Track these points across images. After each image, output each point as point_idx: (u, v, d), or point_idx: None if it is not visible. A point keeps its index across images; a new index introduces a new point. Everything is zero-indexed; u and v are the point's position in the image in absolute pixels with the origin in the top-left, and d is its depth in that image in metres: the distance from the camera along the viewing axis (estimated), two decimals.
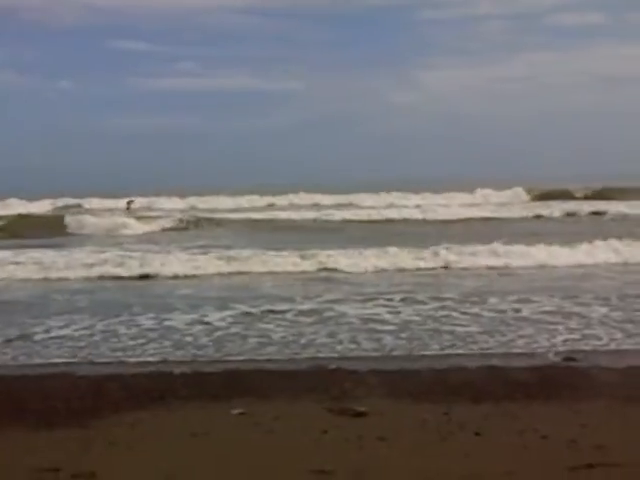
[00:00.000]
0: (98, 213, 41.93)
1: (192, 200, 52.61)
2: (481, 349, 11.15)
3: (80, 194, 55.38)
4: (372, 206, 46.40)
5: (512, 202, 49.07)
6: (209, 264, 20.65)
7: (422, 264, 20.53)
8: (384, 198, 51.65)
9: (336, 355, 10.86)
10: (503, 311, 13.85)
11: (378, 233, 30.08)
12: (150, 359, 10.82)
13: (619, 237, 22.31)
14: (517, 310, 13.91)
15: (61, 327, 13.02)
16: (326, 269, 20.21)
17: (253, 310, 14.22)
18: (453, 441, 6.98)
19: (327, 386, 9.01)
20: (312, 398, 8.49)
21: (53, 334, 12.50)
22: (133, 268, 20.17)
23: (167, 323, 13.22)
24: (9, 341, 11.99)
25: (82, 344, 11.79)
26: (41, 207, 50.48)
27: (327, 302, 15.07)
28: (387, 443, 6.91)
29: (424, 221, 37.91)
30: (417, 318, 13.34)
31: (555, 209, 41.33)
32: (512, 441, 6.93)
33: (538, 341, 11.54)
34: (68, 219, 36.47)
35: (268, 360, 10.59)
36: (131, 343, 11.81)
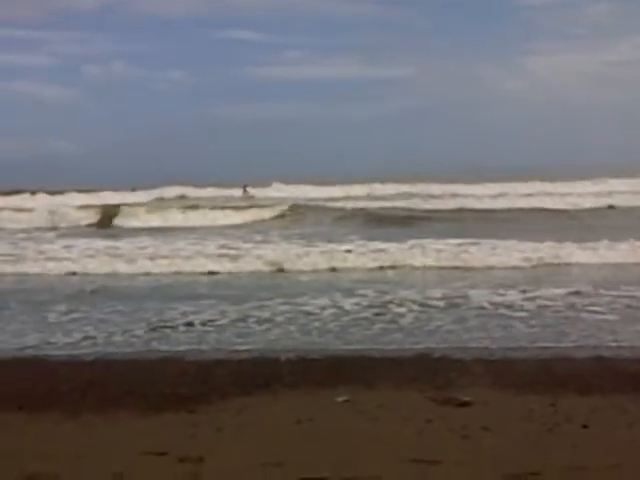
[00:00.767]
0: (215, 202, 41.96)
1: (306, 188, 50.57)
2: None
3: (191, 183, 55.23)
4: (499, 194, 42.59)
5: None
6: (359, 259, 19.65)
7: None
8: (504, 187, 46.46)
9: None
10: None
11: (567, 224, 28.31)
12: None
13: None
14: None
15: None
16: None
17: None
18: (559, 433, 6.88)
19: (431, 375, 8.99)
20: (416, 387, 8.48)
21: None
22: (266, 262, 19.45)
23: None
24: (153, 329, 12.17)
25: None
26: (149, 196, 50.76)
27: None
28: (492, 433, 6.86)
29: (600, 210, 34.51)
30: None
31: None
32: (620, 434, 6.81)
33: None
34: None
35: (372, 348, 10.61)
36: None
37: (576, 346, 10.60)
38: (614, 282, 15.61)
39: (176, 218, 33.59)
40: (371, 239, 23.11)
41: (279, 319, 12.74)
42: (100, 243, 24.47)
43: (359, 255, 20.11)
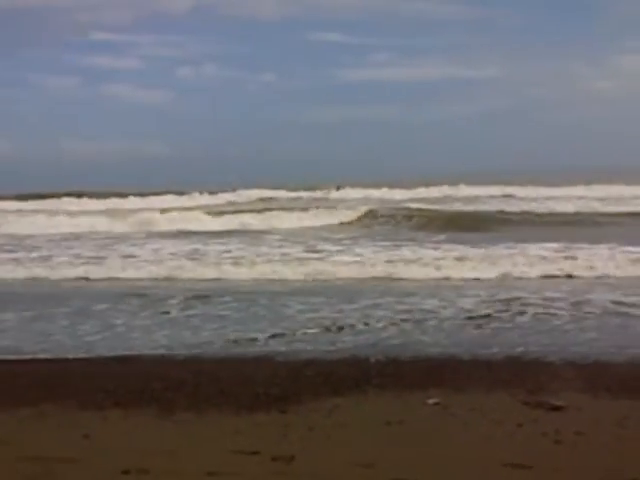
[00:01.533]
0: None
1: (406, 192, 48.74)
2: None
3: (282, 185, 55.29)
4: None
5: None
6: None
7: None
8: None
9: None
10: None
11: None
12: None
13: None
14: None
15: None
16: None
17: None
18: None
19: (522, 379, 8.90)
20: (507, 390, 8.41)
21: None
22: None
23: None
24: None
25: None
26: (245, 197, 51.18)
27: None
28: (585, 438, 6.77)
29: None
30: None
31: None
32: None
33: None
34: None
35: (465, 351, 10.52)
36: None
37: None
38: None
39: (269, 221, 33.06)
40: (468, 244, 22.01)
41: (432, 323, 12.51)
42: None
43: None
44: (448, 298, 14.48)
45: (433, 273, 17.63)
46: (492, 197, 44.38)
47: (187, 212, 35.34)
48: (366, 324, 12.35)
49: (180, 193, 50.66)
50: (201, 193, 51.26)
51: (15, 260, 21.57)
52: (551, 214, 33.79)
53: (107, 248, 24.40)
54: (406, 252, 20.97)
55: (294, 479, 5.89)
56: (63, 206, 45.09)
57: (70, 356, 10.73)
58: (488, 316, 12.78)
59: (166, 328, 12.58)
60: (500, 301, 14.00)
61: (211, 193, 51.60)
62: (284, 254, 21.43)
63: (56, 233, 29.88)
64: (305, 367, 9.71)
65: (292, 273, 18.08)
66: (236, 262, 19.79)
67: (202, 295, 15.48)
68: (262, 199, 50.46)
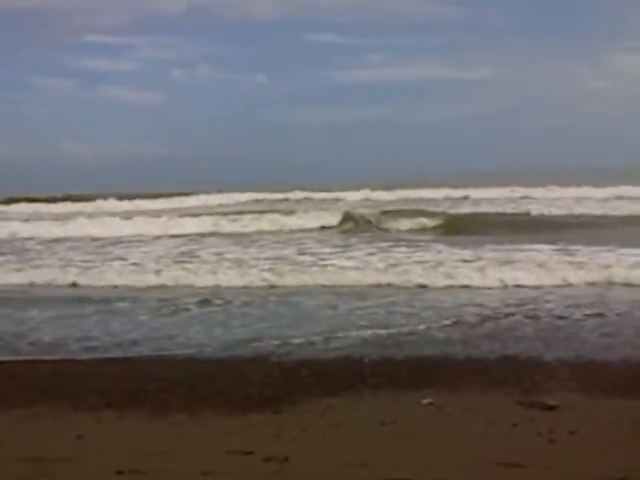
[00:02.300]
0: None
1: (401, 192, 47.67)
2: None
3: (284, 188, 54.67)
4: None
5: None
6: None
7: None
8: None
9: None
10: None
11: None
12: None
13: None
14: None
15: None
16: None
17: None
18: None
19: (517, 378, 8.91)
20: (502, 390, 8.42)
21: None
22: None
23: None
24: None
25: None
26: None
27: None
28: (579, 438, 6.78)
29: None
30: None
31: None
32: None
33: None
34: None
35: (458, 351, 10.52)
36: None
37: None
38: None
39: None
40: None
41: None
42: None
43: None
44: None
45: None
46: (501, 199, 42.46)
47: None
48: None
49: (187, 194, 50.76)
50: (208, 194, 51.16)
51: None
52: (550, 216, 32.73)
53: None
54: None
55: (288, 479, 5.89)
56: (98, 208, 44.58)
57: (70, 357, 10.73)
58: None
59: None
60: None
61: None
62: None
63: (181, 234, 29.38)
64: (299, 367, 9.71)
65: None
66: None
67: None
68: (257, 201, 50.07)
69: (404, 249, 21.45)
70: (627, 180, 44.32)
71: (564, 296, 14.24)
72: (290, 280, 16.94)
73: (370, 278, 16.79)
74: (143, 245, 25.55)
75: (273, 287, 16.49)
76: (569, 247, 19.77)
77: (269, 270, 17.83)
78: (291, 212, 34.71)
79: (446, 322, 12.16)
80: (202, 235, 28.87)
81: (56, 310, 14.24)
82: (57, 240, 27.94)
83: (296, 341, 11.17)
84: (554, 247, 20.05)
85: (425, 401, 8.04)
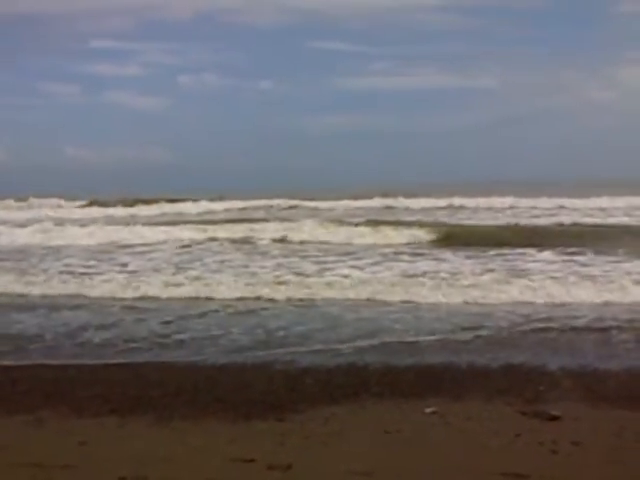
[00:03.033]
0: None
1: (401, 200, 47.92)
2: None
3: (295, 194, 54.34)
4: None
5: None
6: None
7: None
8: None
9: None
10: None
11: None
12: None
13: None
14: None
15: None
16: None
17: None
18: None
19: (520, 388, 8.90)
20: (505, 400, 8.41)
21: None
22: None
23: None
24: None
25: None
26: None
27: None
28: (582, 449, 6.77)
29: None
30: None
31: None
32: None
33: None
34: None
35: (462, 360, 10.50)
36: None
37: None
38: None
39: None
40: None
41: None
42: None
43: None
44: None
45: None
46: (503, 208, 42.07)
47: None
48: None
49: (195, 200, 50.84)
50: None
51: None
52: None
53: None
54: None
55: None
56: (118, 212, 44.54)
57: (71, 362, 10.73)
58: None
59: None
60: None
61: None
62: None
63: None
64: (302, 375, 9.70)
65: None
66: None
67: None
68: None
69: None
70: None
71: (571, 308, 14.21)
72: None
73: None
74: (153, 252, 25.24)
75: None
76: (576, 257, 19.76)
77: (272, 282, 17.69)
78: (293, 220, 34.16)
79: (451, 332, 12.15)
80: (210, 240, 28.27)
81: (56, 313, 14.27)
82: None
83: (301, 349, 11.17)
84: (563, 257, 20.04)
85: (429, 410, 8.04)
